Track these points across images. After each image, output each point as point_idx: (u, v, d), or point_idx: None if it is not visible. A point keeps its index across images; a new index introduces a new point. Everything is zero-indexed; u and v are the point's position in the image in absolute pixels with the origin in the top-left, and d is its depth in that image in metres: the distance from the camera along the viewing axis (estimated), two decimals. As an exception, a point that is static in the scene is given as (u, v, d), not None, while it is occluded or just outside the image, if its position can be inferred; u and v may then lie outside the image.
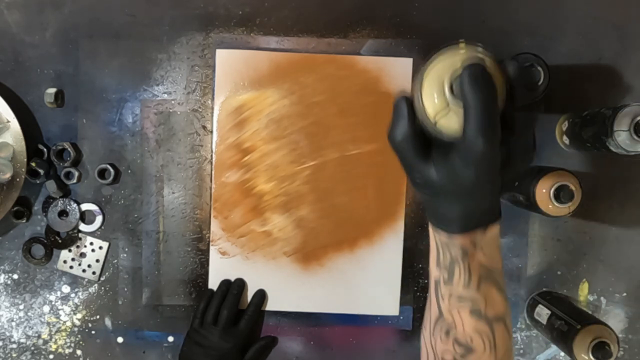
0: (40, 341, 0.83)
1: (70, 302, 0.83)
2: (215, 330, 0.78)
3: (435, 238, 0.50)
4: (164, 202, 0.83)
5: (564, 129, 0.81)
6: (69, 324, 0.83)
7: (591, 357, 0.70)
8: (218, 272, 0.83)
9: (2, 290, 0.83)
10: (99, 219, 0.82)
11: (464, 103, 0.42)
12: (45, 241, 0.82)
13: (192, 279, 0.84)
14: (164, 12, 0.81)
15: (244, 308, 0.82)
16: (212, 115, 0.82)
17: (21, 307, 0.83)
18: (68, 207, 0.81)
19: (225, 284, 0.82)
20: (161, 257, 0.83)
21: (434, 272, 0.51)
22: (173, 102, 0.82)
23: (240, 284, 0.82)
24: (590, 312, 0.81)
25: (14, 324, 0.83)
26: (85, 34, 0.81)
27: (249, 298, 0.82)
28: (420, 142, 0.46)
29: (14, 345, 0.83)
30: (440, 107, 0.42)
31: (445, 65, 0.42)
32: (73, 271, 0.83)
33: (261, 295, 0.82)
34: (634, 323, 0.84)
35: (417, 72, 0.45)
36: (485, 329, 0.49)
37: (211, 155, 0.82)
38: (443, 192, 0.47)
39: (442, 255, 0.50)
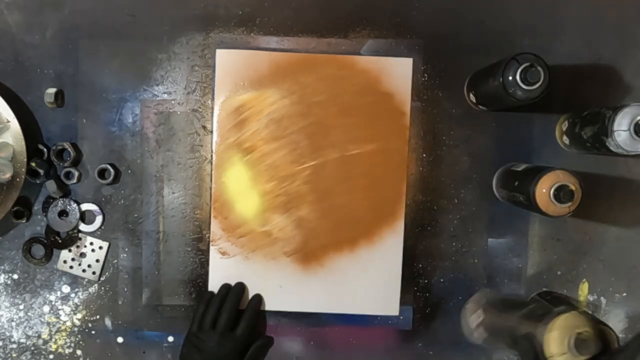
0: (40, 341, 0.83)
1: (70, 302, 0.83)
2: (213, 334, 0.77)
3: None
4: (164, 202, 0.83)
5: (564, 129, 0.81)
6: (69, 324, 0.83)
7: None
8: (218, 272, 0.83)
9: (2, 290, 0.83)
10: (99, 219, 0.82)
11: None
12: (45, 241, 0.82)
13: (192, 279, 0.84)
14: (164, 12, 0.81)
15: (244, 308, 0.82)
16: (212, 115, 0.82)
17: (21, 307, 0.83)
18: (68, 207, 0.81)
19: (226, 287, 0.82)
20: (161, 257, 0.83)
21: None
22: (173, 102, 0.82)
23: (240, 288, 0.82)
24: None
25: (14, 324, 0.83)
26: (85, 34, 0.81)
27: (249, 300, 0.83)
28: None
29: (14, 345, 0.83)
30: (560, 352, 0.62)
31: (569, 325, 0.63)
32: (73, 271, 0.83)
33: (258, 300, 0.82)
34: (634, 323, 0.84)
35: (545, 318, 0.64)
36: None
37: (211, 155, 0.82)
38: None
39: None
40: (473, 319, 0.77)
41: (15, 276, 0.83)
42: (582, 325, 0.62)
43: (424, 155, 0.83)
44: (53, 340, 0.83)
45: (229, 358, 0.77)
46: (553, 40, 0.82)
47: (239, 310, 0.81)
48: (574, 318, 0.62)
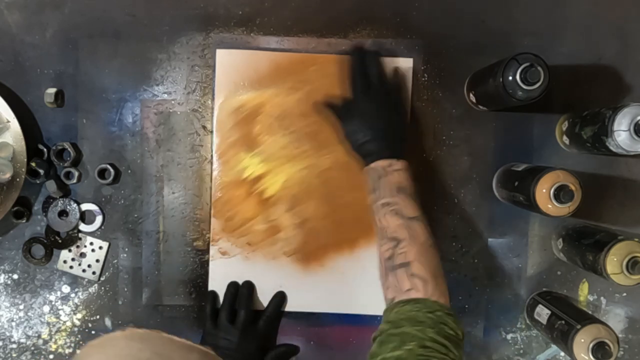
0: (40, 341, 0.83)
1: (70, 302, 0.83)
2: (234, 330, 0.77)
3: (367, 175, 0.73)
4: (164, 202, 0.83)
5: (564, 129, 0.81)
6: (69, 324, 0.83)
7: (591, 357, 0.70)
8: (218, 272, 0.83)
9: (2, 290, 0.83)
10: (99, 219, 0.82)
11: None
12: (45, 241, 0.82)
13: (192, 279, 0.84)
14: (164, 12, 0.81)
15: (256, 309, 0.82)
16: (212, 115, 0.82)
17: (21, 307, 0.83)
18: (68, 207, 0.81)
19: (234, 285, 0.82)
20: (161, 257, 0.83)
21: (370, 198, 0.72)
22: (173, 102, 0.82)
23: (250, 285, 0.82)
24: (590, 312, 0.81)
25: (14, 324, 0.83)
26: (85, 34, 0.81)
27: (257, 299, 0.83)
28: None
29: (14, 345, 0.83)
30: (617, 271, 0.71)
31: (626, 250, 0.71)
32: (73, 271, 0.83)
33: (281, 297, 0.82)
34: (634, 323, 0.84)
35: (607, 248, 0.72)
36: (404, 224, 0.68)
37: (211, 155, 0.82)
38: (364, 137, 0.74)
39: (370, 181, 0.72)
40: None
41: (15, 276, 0.83)
42: (636, 250, 0.71)
43: (424, 155, 0.83)
44: (53, 340, 0.83)
45: (251, 351, 0.77)
46: (553, 40, 0.82)
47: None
48: (629, 245, 0.71)
